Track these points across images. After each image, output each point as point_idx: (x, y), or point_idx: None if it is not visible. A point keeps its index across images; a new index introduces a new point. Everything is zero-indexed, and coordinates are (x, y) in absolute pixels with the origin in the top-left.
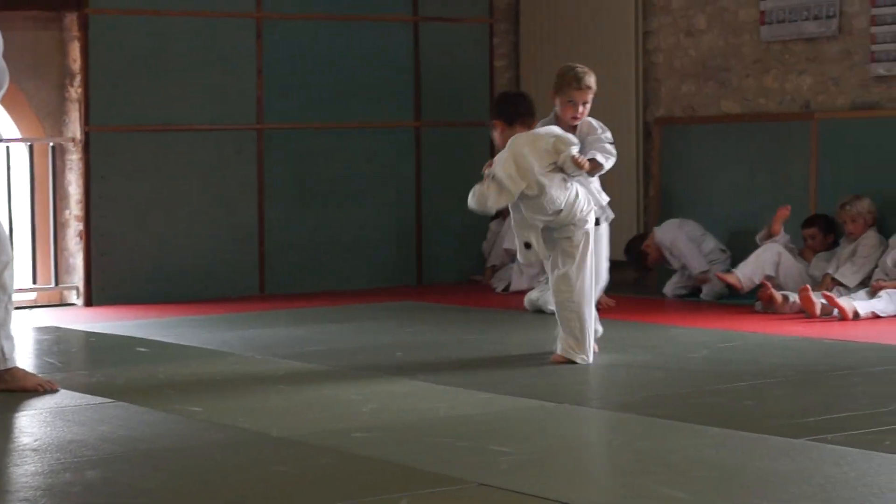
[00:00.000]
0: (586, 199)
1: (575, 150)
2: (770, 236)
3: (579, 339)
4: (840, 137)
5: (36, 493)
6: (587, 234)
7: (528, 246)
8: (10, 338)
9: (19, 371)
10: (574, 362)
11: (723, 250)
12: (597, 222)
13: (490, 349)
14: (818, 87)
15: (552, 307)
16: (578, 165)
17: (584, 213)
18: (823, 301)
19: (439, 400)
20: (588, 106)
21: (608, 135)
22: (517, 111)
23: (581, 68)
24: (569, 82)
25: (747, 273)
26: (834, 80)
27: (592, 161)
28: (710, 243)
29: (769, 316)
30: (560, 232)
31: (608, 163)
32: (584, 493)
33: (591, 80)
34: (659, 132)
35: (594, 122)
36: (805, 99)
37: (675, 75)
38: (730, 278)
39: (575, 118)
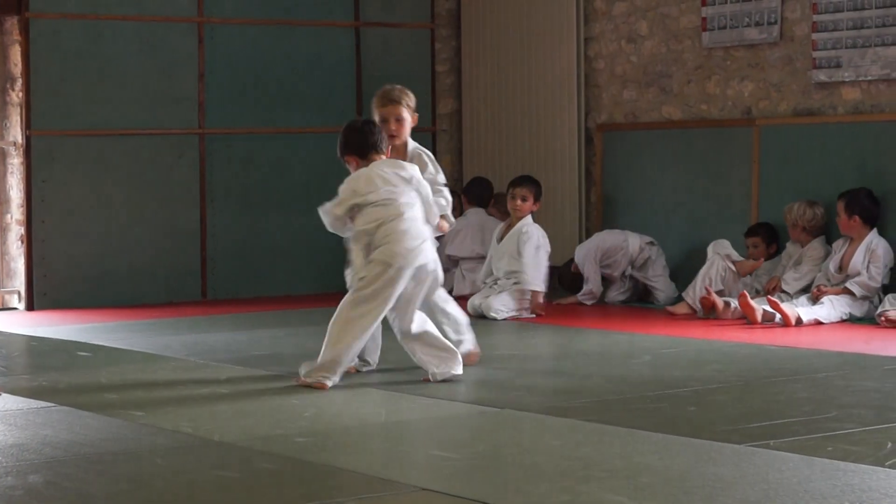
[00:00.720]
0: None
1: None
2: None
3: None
4: (782, 143)
5: None
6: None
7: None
8: None
9: None
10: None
11: (651, 243)
12: None
13: None
14: (760, 93)
15: (494, 313)
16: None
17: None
18: (765, 307)
19: (381, 405)
20: (403, 122)
21: (441, 176)
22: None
23: (390, 86)
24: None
25: (695, 295)
26: (775, 86)
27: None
28: (636, 242)
29: (712, 322)
30: None
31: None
32: (527, 498)
33: (398, 94)
34: (600, 138)
35: (427, 155)
36: (747, 105)
37: (616, 81)
38: (680, 309)
39: (392, 136)
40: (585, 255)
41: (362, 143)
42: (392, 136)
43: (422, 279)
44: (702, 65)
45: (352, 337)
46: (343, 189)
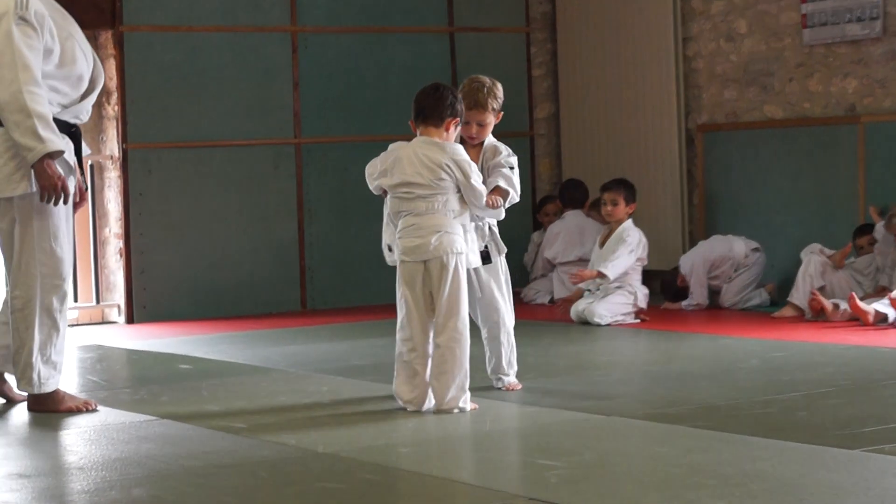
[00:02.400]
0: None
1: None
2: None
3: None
4: (888, 141)
5: None
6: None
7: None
8: (50, 363)
9: (59, 394)
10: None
11: (756, 249)
12: (486, 257)
13: (534, 362)
14: (864, 90)
15: (598, 319)
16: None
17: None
18: (877, 307)
19: (485, 413)
20: (486, 127)
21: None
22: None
23: (479, 83)
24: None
25: (800, 296)
26: (879, 82)
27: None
28: (741, 248)
29: (821, 325)
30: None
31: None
32: None
33: (484, 98)
34: (701, 139)
35: (501, 145)
36: (850, 102)
37: (716, 81)
38: (786, 312)
39: (471, 137)
40: (693, 267)
41: (415, 108)
42: (471, 138)
43: (437, 274)
44: (803, 62)
45: None
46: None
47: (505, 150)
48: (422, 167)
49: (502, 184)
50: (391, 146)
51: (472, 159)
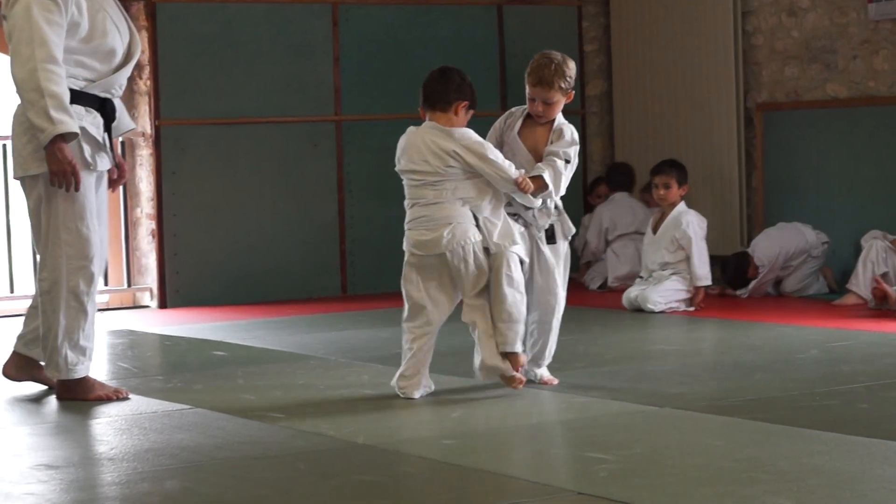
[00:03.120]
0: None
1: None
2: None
3: None
4: None
5: (114, 503)
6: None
7: None
8: (77, 347)
9: (89, 381)
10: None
11: (825, 243)
12: (550, 237)
13: (584, 350)
14: None
15: (651, 305)
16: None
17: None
18: None
19: (532, 405)
20: (553, 106)
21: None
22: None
23: (548, 58)
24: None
25: (861, 284)
26: None
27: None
28: (813, 239)
29: (884, 314)
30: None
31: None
32: (688, 502)
33: (550, 76)
34: (761, 119)
35: (569, 129)
36: None
37: (777, 58)
38: (849, 300)
39: (538, 116)
40: (770, 262)
41: (423, 94)
42: (538, 116)
43: (457, 265)
44: (868, 39)
45: None
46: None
47: (570, 135)
48: (429, 154)
49: (547, 178)
50: (408, 129)
51: (540, 138)
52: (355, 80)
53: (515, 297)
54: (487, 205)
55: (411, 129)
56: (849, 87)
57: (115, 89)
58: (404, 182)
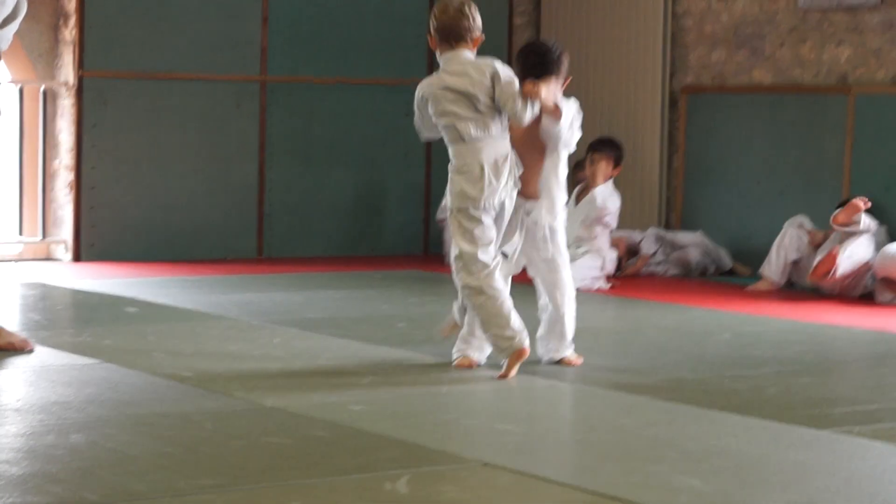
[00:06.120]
0: None
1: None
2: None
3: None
4: (879, 114)
5: (17, 454)
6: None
7: None
8: None
9: None
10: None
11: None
12: None
13: None
14: (857, 60)
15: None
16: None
17: None
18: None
19: (442, 375)
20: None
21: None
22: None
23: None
24: None
25: (773, 269)
26: (874, 52)
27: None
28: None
29: (795, 300)
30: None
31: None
32: (593, 477)
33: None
34: (685, 101)
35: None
36: (842, 71)
37: (705, 41)
38: (761, 286)
39: None
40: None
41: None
42: None
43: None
44: (796, 27)
45: None
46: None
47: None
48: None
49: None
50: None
51: None
52: (283, 40)
53: None
54: None
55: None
56: (774, 74)
57: (3, 44)
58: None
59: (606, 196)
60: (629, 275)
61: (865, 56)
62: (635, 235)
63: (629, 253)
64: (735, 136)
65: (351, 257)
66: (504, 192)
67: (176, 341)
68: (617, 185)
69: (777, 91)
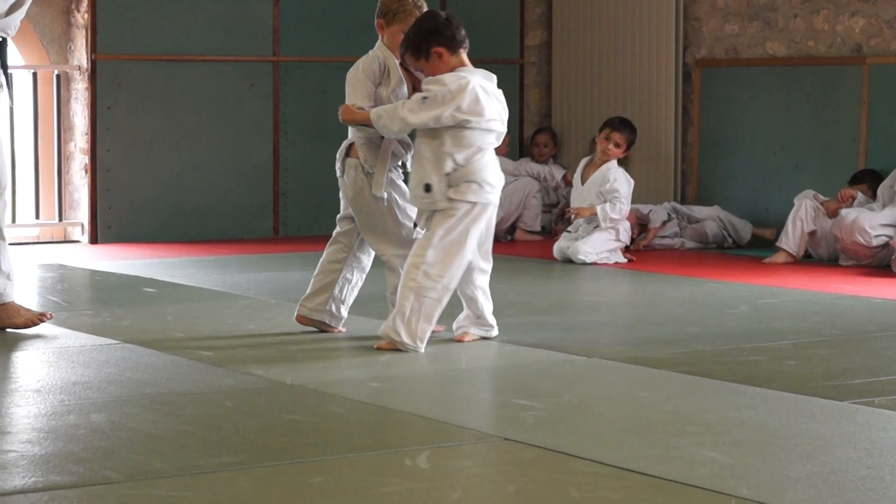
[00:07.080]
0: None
1: None
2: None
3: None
4: (894, 84)
5: (39, 434)
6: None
7: (427, 189)
8: (2, 272)
9: (14, 307)
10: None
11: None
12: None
13: (514, 300)
14: (871, 30)
15: (583, 256)
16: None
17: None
18: None
19: (462, 351)
20: None
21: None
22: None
23: None
24: (409, 10)
25: (791, 241)
26: (888, 22)
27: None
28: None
29: (813, 272)
30: None
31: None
32: (614, 451)
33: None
34: (699, 74)
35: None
36: (856, 42)
37: (717, 14)
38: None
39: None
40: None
41: (451, 34)
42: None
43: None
44: None
45: None
46: (440, 95)
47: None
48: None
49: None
50: (472, 77)
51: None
52: (295, 20)
53: None
54: None
55: (465, 77)
56: (788, 46)
57: (10, 30)
58: (461, 132)
59: (619, 174)
60: (641, 248)
61: (880, 26)
62: (642, 208)
63: (639, 226)
64: (750, 109)
65: None
66: None
67: (194, 321)
68: (631, 160)
69: (791, 63)
